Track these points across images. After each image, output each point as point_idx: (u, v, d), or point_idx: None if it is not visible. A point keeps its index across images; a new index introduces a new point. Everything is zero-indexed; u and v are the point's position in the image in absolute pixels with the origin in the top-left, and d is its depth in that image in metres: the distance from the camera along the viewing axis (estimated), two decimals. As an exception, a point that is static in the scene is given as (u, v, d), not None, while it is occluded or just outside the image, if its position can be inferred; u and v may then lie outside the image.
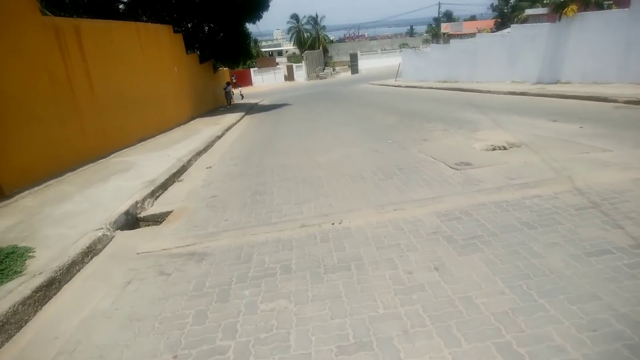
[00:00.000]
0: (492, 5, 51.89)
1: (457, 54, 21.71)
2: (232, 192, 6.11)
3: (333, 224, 4.29)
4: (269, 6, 19.56)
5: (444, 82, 22.68)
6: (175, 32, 17.67)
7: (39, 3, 9.38)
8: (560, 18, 14.33)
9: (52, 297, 3.48)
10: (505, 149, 6.68)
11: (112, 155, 9.78)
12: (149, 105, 12.90)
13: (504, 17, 50.68)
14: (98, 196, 6.09)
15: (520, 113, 9.92)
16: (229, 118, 16.81)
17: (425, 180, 5.41)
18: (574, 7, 13.89)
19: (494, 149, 6.74)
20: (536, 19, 28.73)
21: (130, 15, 16.12)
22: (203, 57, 21.84)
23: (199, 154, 9.50)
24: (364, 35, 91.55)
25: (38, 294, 3.35)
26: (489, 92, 15.82)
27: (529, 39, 16.18)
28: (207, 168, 8.12)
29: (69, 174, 7.81)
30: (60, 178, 7.47)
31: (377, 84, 29.54)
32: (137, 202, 5.64)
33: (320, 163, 7.18)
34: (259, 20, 20.28)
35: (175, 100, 15.79)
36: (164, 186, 6.69)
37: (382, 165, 6.44)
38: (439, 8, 43.94)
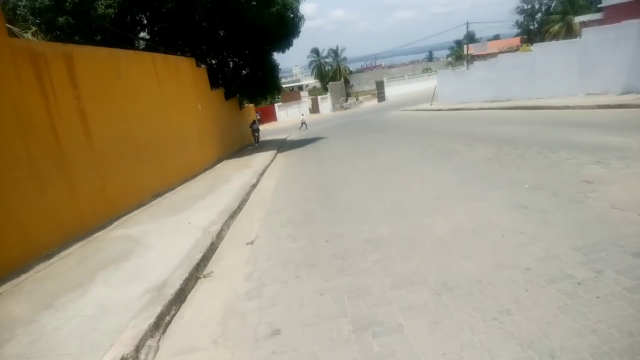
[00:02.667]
0: (517, 22, 49.18)
1: (508, 70, 18.65)
2: (306, 317, 3.08)
3: None
4: (299, 32, 17.15)
5: (492, 101, 19.56)
6: (198, 66, 15.37)
7: (34, 30, 6.99)
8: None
9: None
10: None
11: (114, 224, 6.96)
12: (168, 150, 10.26)
13: (530, 34, 47.81)
14: (54, 339, 3.15)
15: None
16: (260, 158, 14.07)
17: None
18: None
19: None
20: (586, 28, 25.79)
21: (150, 51, 13.93)
22: (229, 93, 19.53)
23: (233, 216, 6.60)
24: (382, 65, 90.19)
25: None
26: (567, 107, 12.61)
27: (609, 43, 13.05)
28: (248, 244, 5.17)
29: (40, 266, 4.98)
30: (17, 281, 4.60)
31: (412, 110, 26.63)
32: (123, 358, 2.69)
33: (441, 235, 4.13)
34: (288, 49, 17.88)
35: (200, 141, 13.21)
36: (179, 297, 3.73)
37: (586, 246, 3.33)
38: (467, 28, 41.35)
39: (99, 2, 12.35)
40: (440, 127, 13.62)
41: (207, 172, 12.46)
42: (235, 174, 11.02)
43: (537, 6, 48.87)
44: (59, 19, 12.32)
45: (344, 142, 15.03)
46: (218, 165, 13.96)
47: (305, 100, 47.69)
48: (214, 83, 17.71)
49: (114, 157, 7.75)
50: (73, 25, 12.53)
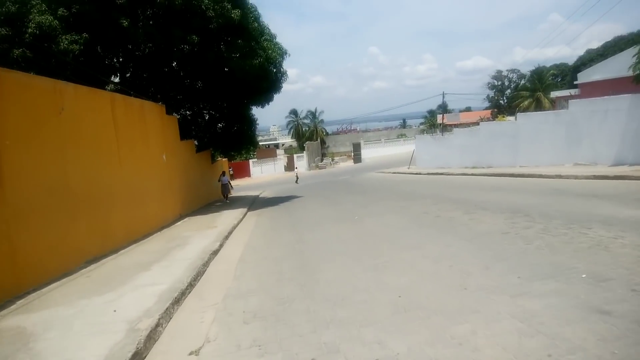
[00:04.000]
0: (488, 96, 51.60)
1: (490, 137, 18.27)
2: None
3: None
4: (281, 87, 16.27)
5: (473, 168, 18.95)
6: (168, 114, 14.01)
7: None
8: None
9: None
10: None
11: (16, 304, 4.98)
12: (116, 205, 8.45)
13: (500, 108, 50.02)
14: None
15: None
16: (228, 217, 12.32)
17: None
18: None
19: None
20: (560, 103, 26.53)
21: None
22: (201, 146, 18.09)
23: (179, 300, 4.79)
24: (357, 128, 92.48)
25: None
26: (559, 176, 11.80)
27: (598, 115, 12.70)
28: (192, 355, 3.40)
29: None
30: None
31: (389, 172, 25.92)
32: None
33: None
34: (268, 104, 16.88)
35: (161, 196, 11.44)
36: None
37: None
38: (443, 97, 42.75)
39: (63, 37, 11.03)
40: (426, 192, 12.45)
41: (164, 231, 10.57)
42: (196, 235, 9.21)
43: (506, 83, 51.73)
44: (15, 50, 10.87)
45: (323, 203, 13.56)
46: (179, 223, 12.09)
47: (281, 158, 46.84)
48: (185, 134, 16.27)
49: (36, 213, 5.93)
50: (30, 59, 11.05)
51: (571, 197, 8.26)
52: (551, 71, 45.85)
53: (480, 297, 3.64)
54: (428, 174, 20.60)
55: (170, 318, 4.32)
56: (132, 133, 9.79)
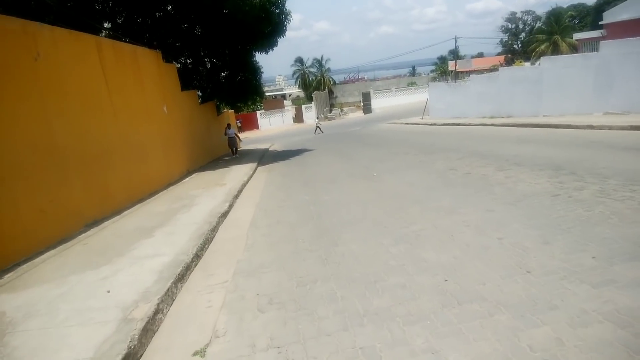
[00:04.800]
0: (501, 40, 48.51)
1: (510, 84, 16.85)
2: None
3: None
4: (285, 30, 14.84)
5: (491, 117, 17.74)
6: (166, 61, 12.88)
7: None
8: None
9: None
10: None
11: (2, 279, 4.43)
12: (115, 163, 7.71)
13: (514, 53, 47.20)
14: None
15: None
16: (238, 173, 11.59)
17: None
18: None
19: None
20: (585, 46, 24.42)
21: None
22: (205, 96, 17.01)
23: (182, 277, 4.15)
24: (364, 77, 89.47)
25: None
26: (591, 126, 10.65)
27: (633, 57, 11.33)
28: (196, 356, 2.77)
29: None
30: None
31: (402, 123, 24.73)
32: None
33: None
34: (272, 49, 15.53)
35: (164, 151, 10.66)
36: None
37: None
38: (455, 42, 40.12)
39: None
40: (447, 144, 11.50)
41: (171, 188, 9.92)
42: (204, 194, 8.53)
43: (520, 26, 48.44)
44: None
45: (335, 157, 12.71)
46: (186, 179, 11.42)
47: (289, 109, 45.31)
48: (187, 84, 15.19)
49: (19, 173, 5.21)
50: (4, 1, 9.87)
51: (615, 150, 7.29)
52: (569, 12, 42.51)
53: (552, 286, 2.90)
54: (444, 124, 19.44)
55: (173, 300, 3.69)
56: (126, 83, 8.82)
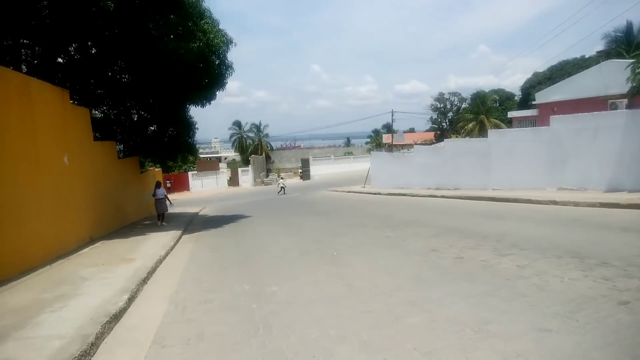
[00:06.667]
0: (431, 118, 52.02)
1: (456, 156, 16.62)
2: None
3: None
4: (225, 83, 13.32)
5: (437, 189, 17.22)
6: (78, 104, 10.54)
7: None
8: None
9: None
10: None
11: None
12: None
13: (442, 130, 50.55)
14: None
15: None
16: (154, 243, 9.05)
17: None
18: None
19: None
20: (520, 123, 26.11)
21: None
22: (127, 151, 14.49)
23: None
24: (301, 145, 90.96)
25: None
26: (554, 202, 10.00)
27: (587, 133, 11.20)
28: None
29: None
30: None
31: (343, 191, 23.70)
32: None
33: None
34: (209, 103, 13.80)
35: (56, 212, 7.92)
36: None
37: None
38: (392, 116, 41.97)
39: None
40: (408, 217, 10.17)
41: (59, 263, 7.14)
42: (98, 276, 5.98)
43: (448, 105, 52.56)
44: None
45: (279, 227, 10.73)
46: (85, 249, 8.63)
47: (224, 171, 42.93)
48: (107, 135, 12.74)
49: None
50: None
51: (616, 231, 6.33)
52: (493, 96, 47.12)
53: None
54: (389, 194, 18.59)
55: None
56: (3, 118, 6.39)
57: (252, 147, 55.15)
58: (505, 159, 14.07)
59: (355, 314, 3.91)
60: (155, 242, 9.29)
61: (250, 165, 42.05)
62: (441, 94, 51.74)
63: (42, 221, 7.34)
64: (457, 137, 36.66)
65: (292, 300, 4.47)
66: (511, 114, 26.93)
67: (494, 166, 14.57)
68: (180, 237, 10.29)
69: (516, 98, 47.31)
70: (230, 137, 59.40)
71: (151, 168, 20.25)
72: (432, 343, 3.09)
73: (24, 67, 10.54)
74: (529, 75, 41.54)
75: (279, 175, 45.63)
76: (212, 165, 43.95)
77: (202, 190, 37.86)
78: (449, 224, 8.43)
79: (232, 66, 12.95)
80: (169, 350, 3.45)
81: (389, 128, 48.71)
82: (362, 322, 3.68)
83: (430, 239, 6.99)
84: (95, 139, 11.19)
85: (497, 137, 14.92)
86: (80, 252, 8.44)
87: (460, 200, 13.36)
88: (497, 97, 46.38)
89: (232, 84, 13.41)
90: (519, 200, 11.16)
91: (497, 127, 33.13)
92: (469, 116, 39.96)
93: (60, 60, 11.53)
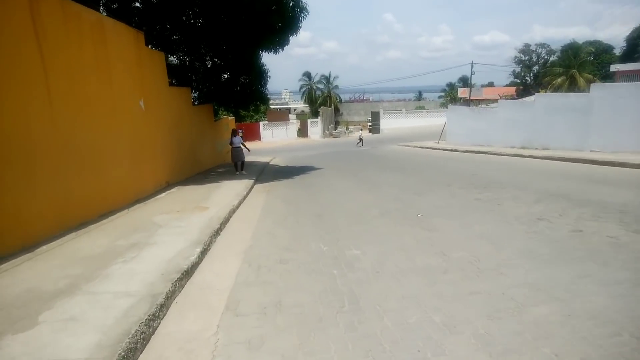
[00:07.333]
0: (514, 71, 46.54)
1: (548, 112, 14.38)
2: None
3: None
4: (299, 27, 12.39)
5: (522, 148, 15.25)
6: (153, 47, 10.37)
7: None
8: None
9: None
10: None
11: None
12: (40, 171, 5.04)
13: (525, 85, 45.21)
14: None
15: None
16: (227, 192, 8.90)
17: None
18: None
19: None
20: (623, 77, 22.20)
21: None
22: (201, 98, 14.47)
23: None
24: (369, 98, 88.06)
25: None
26: None
27: None
28: None
29: None
30: None
31: (416, 146, 22.26)
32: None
33: None
34: (282, 49, 13.05)
35: (134, 158, 7.97)
36: None
37: None
38: (472, 68, 38.14)
39: None
40: (495, 177, 8.86)
41: (136, 207, 7.22)
42: (172, 224, 5.82)
43: (534, 58, 46.59)
44: None
45: (353, 182, 10.03)
46: (162, 194, 8.74)
47: (294, 122, 42.88)
48: (181, 81, 12.67)
49: None
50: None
51: None
52: (588, 48, 40.48)
53: None
54: (466, 151, 16.91)
55: None
56: (79, 62, 6.19)
57: (321, 99, 54.17)
58: (609, 117, 11.92)
59: (460, 294, 3.14)
60: (229, 190, 9.13)
61: (319, 117, 41.37)
62: (527, 45, 45.62)
63: (121, 166, 7.36)
64: (545, 91, 32.42)
65: (378, 269, 3.80)
66: (614, 67, 22.73)
67: (594, 125, 12.43)
68: (252, 186, 10.07)
69: (615, 51, 40.33)
70: (300, 88, 58.76)
71: (224, 116, 20.41)
72: (579, 349, 2.24)
73: (102, 11, 10.51)
74: (636, 24, 34.86)
75: (347, 128, 44.58)
76: (282, 116, 44.04)
77: (273, 140, 38.30)
78: (549, 188, 7.10)
79: (306, 8, 11.94)
80: (244, 320, 2.98)
81: (465, 82, 44.52)
82: (472, 307, 2.91)
83: (532, 204, 5.85)
84: (171, 84, 11.08)
85: (601, 92, 12.52)
86: (157, 196, 8.54)
87: (553, 161, 11.59)
88: (593, 50, 39.82)
89: (302, 34, 12.55)
90: (625, 165, 9.26)
91: (589, 82, 28.63)
92: (559, 70, 35.06)
93: (137, 4, 11.37)
